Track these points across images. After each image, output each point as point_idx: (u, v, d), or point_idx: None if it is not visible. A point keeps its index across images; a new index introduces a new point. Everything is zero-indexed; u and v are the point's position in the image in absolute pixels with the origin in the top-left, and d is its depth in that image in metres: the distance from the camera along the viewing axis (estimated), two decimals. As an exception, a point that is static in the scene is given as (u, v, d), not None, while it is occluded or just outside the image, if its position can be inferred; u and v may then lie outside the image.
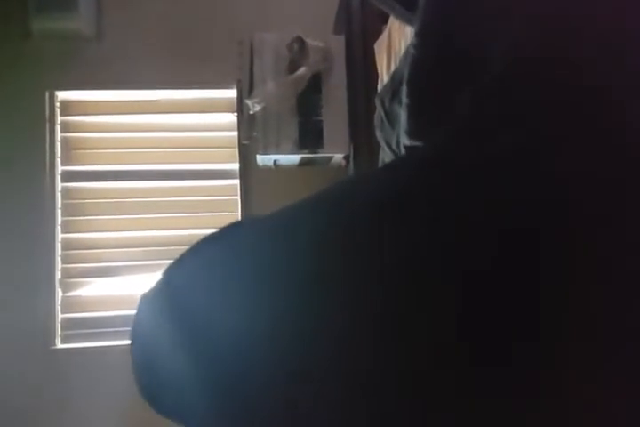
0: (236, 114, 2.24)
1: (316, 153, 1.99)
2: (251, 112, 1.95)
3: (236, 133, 2.29)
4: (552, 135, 0.32)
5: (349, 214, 0.33)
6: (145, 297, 0.38)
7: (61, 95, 2.35)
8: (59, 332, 2.24)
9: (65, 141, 2.35)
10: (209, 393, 0.30)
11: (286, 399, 0.28)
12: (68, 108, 2.36)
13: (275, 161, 2.08)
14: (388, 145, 1.28)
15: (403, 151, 0.89)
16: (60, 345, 2.23)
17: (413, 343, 0.28)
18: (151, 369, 0.36)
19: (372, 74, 1.59)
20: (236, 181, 2.35)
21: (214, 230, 0.39)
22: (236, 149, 2.33)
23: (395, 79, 1.25)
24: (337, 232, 0.32)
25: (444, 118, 0.39)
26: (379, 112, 1.33)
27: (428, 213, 0.31)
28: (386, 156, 1.32)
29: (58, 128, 2.33)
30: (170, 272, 0.38)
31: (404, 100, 0.64)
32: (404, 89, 0.64)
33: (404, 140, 0.65)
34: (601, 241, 0.29)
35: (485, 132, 0.34)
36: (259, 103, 1.91)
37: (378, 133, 1.34)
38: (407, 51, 1.01)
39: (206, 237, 0.38)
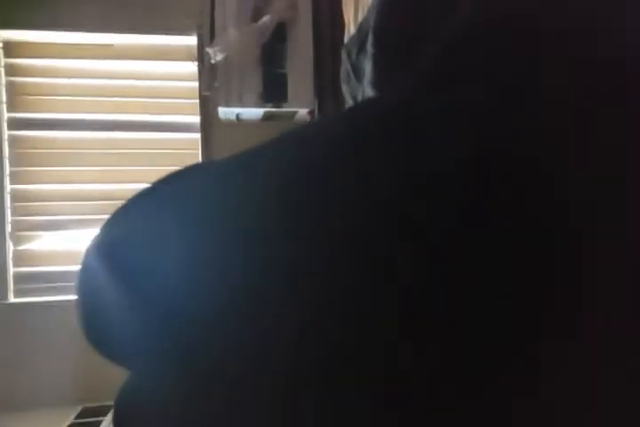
0: (196, 63, 2.13)
1: (279, 107, 1.93)
2: (212, 61, 1.86)
3: (196, 84, 2.19)
4: (517, 87, 0.31)
5: (307, 158, 0.32)
6: (87, 249, 0.37)
7: (5, 35, 2.17)
8: (11, 286, 2.18)
9: (10, 86, 2.19)
10: (153, 336, 0.30)
11: (234, 343, 0.27)
12: (13, 49, 2.19)
13: (237, 115, 2.01)
14: (355, 99, 1.24)
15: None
16: (12, 299, 2.18)
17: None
18: (94, 317, 0.36)
19: (339, 24, 1.53)
20: (197, 135, 2.28)
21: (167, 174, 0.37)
22: (197, 101, 2.24)
23: (361, 30, 1.20)
24: (292, 174, 0.31)
25: (409, 68, 0.38)
26: (345, 65, 1.29)
27: (384, 163, 0.30)
28: (351, 111, 1.29)
29: (2, 71, 2.17)
30: (111, 220, 0.37)
31: (370, 49, 0.61)
32: (370, 38, 0.61)
33: (369, 91, 0.62)
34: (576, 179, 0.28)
35: (446, 83, 0.33)
36: (221, 52, 1.82)
37: (344, 88, 1.30)
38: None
39: (156, 181, 0.37)
